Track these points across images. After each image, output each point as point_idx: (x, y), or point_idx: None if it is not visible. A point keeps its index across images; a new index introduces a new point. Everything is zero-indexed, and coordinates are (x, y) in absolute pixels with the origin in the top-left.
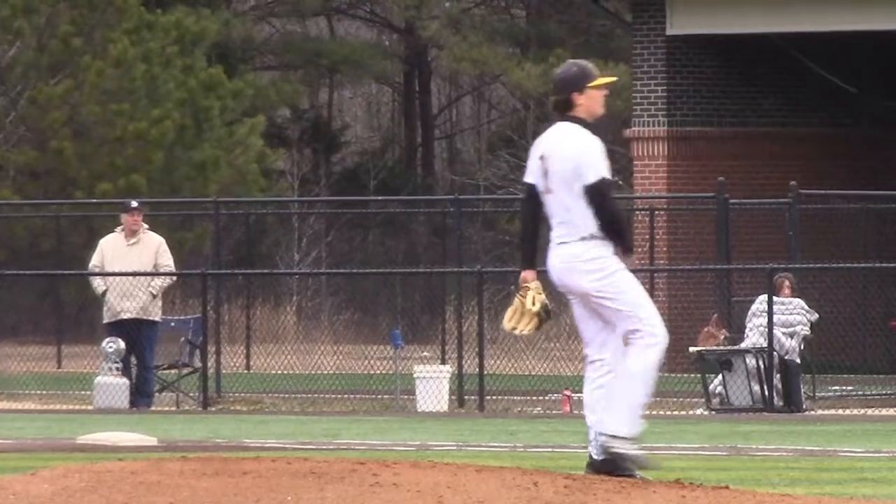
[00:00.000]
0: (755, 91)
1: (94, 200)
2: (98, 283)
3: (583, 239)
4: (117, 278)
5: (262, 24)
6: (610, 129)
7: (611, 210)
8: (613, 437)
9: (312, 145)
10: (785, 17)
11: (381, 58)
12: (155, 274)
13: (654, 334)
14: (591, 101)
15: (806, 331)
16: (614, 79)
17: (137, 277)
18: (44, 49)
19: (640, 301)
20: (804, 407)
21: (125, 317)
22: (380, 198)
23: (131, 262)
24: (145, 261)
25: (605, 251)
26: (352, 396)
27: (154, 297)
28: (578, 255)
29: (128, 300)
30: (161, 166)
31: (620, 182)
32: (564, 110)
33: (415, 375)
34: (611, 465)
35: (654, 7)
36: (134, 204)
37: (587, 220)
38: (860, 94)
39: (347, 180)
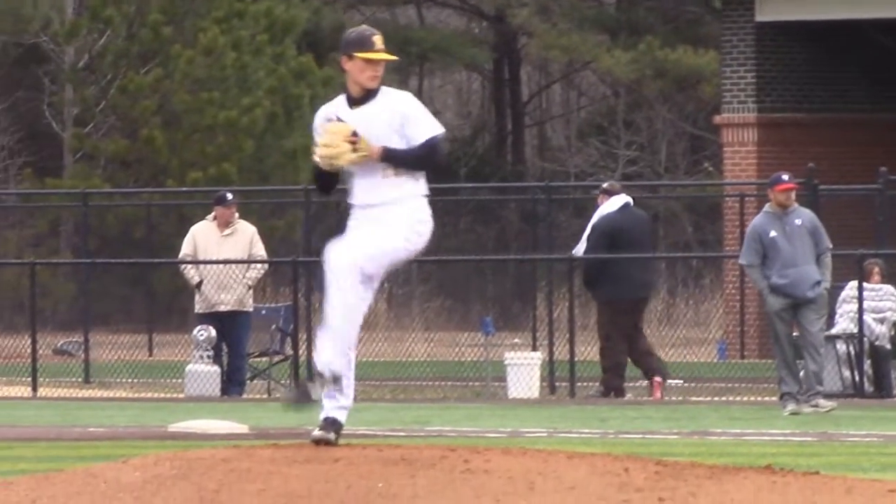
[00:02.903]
0: (844, 77)
1: (185, 189)
2: (192, 274)
3: None
4: (212, 270)
5: (352, 12)
6: (701, 115)
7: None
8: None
9: None
10: (873, 3)
11: (470, 45)
12: (248, 262)
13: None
14: (355, 70)
15: None
16: (390, 57)
17: (232, 269)
18: (134, 38)
19: None
20: (894, 392)
21: (222, 309)
22: (470, 185)
23: (227, 253)
24: (240, 251)
25: None
26: (443, 384)
27: (249, 288)
28: None
29: (224, 292)
30: (251, 154)
31: (711, 168)
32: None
33: (506, 362)
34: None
35: None
36: (229, 196)
37: None
38: None
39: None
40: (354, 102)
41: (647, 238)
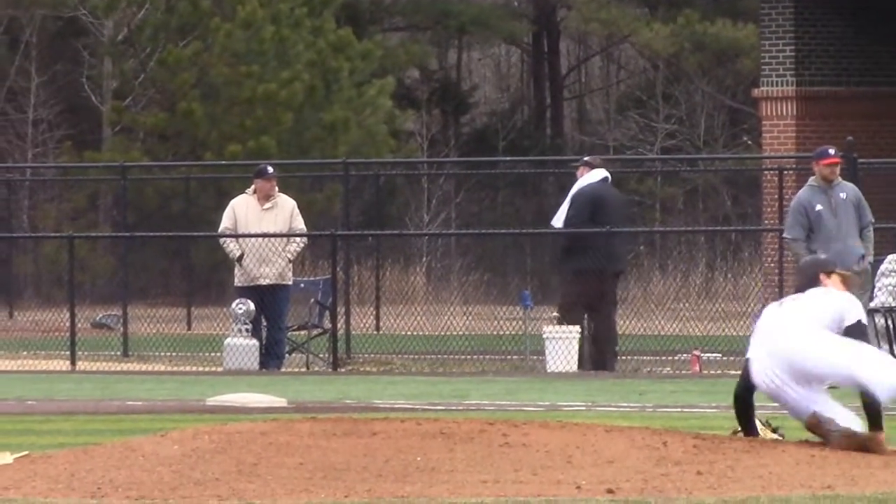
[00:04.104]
0: (883, 50)
1: (224, 162)
2: (233, 248)
3: None
4: (253, 243)
5: None
6: (739, 88)
7: None
8: None
9: (441, 106)
10: None
11: (509, 19)
12: (288, 235)
13: None
14: None
15: None
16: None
17: (273, 242)
18: (173, 11)
19: None
20: None
21: (263, 283)
22: (509, 158)
23: (267, 227)
24: (280, 225)
25: None
26: (481, 357)
27: (290, 262)
28: None
29: (265, 266)
30: (290, 128)
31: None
32: None
33: (544, 336)
34: None
35: None
36: (269, 170)
37: None
38: None
39: (476, 141)
40: None
41: (624, 213)
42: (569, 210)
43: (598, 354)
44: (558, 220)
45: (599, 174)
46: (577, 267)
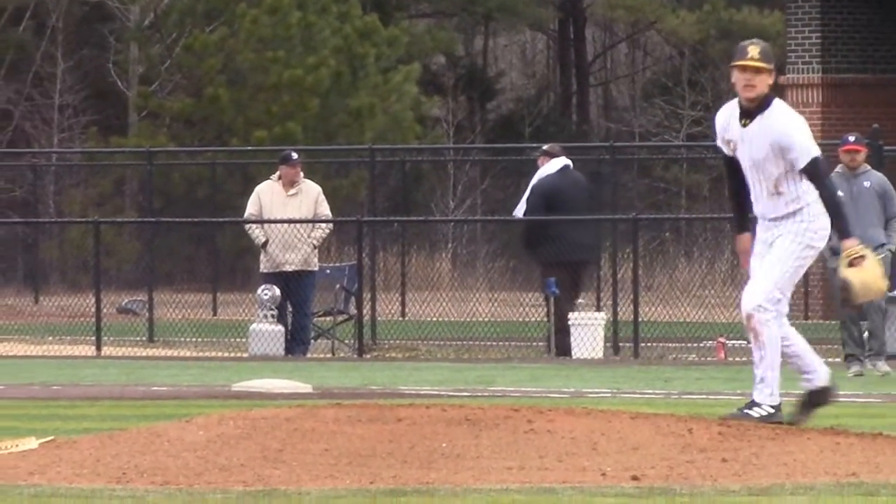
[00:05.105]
0: None
1: (250, 148)
2: (258, 234)
3: None
4: (278, 230)
5: None
6: None
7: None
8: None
9: (467, 92)
10: None
11: (535, 5)
12: (313, 221)
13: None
14: (735, 81)
15: None
16: (760, 65)
17: (297, 229)
18: None
19: None
20: None
21: (288, 269)
22: (535, 145)
23: (292, 213)
24: (305, 211)
25: None
26: (506, 343)
27: (315, 248)
28: None
29: (290, 252)
30: (316, 114)
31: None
32: None
33: (570, 322)
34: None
35: None
36: (294, 156)
37: None
38: None
39: (502, 127)
40: (744, 115)
41: (585, 201)
42: (526, 201)
43: (558, 341)
44: (519, 211)
45: (558, 163)
46: (538, 259)
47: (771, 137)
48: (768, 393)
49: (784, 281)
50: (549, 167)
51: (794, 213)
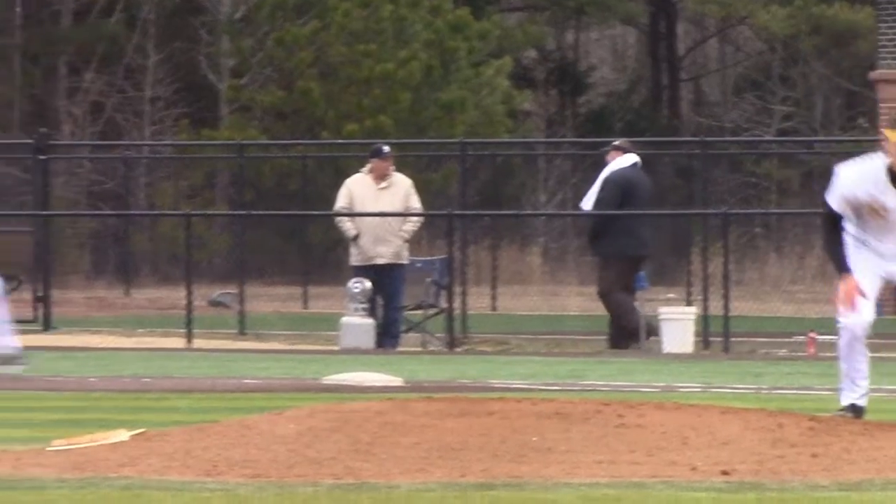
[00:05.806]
0: None
1: (341, 141)
2: (349, 227)
3: None
4: (369, 223)
5: None
6: (856, 70)
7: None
8: None
9: (559, 86)
10: None
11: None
12: (404, 215)
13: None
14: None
15: None
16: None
17: (388, 222)
18: None
19: None
20: None
21: (379, 262)
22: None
23: (383, 206)
24: (397, 204)
25: None
26: (597, 338)
27: (406, 241)
28: None
29: (382, 245)
30: (408, 107)
31: (866, 125)
32: None
33: (660, 317)
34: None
35: None
36: (386, 149)
37: None
38: None
39: (593, 122)
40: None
41: (651, 198)
42: (599, 193)
43: (616, 335)
44: (587, 203)
45: (630, 159)
46: (602, 252)
47: None
48: None
49: None
50: (621, 161)
51: None
